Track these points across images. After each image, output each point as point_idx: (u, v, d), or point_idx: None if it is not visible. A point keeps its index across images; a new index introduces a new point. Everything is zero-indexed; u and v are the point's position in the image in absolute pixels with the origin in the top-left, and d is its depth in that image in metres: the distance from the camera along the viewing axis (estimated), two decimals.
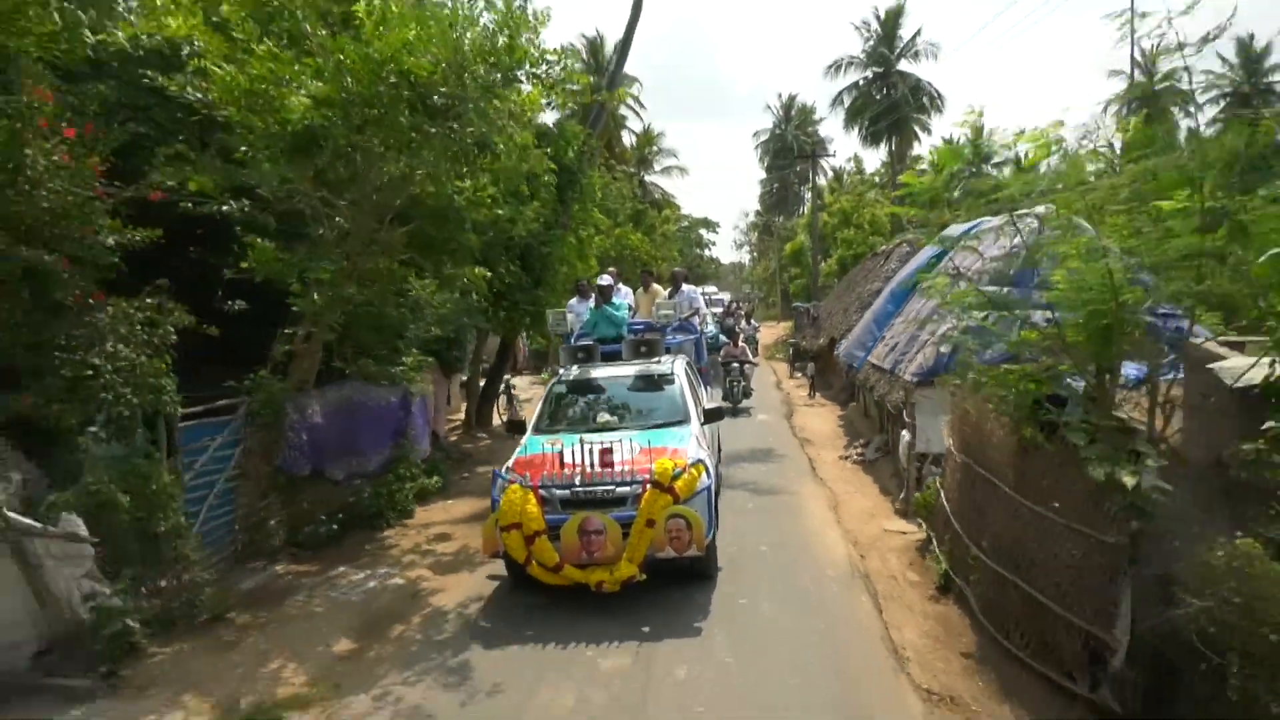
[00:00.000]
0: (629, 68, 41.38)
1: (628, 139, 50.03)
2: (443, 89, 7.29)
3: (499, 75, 7.48)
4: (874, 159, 47.95)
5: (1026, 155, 7.87)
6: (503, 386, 15.95)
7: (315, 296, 7.72)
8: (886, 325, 12.49)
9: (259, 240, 7.34)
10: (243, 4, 7.19)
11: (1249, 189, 5.08)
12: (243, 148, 7.27)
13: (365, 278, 8.25)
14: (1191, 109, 35.90)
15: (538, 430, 7.85)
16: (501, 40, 7.59)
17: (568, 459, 6.58)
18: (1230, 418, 4.59)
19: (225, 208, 7.67)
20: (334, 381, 8.85)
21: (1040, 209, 6.28)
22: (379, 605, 7.06)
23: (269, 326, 8.19)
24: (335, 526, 8.41)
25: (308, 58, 7.23)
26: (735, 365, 17.15)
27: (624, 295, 10.90)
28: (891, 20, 41.61)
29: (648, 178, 52.34)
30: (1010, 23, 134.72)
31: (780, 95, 68.68)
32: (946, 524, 7.03)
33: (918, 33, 41.89)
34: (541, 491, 6.54)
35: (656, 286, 11.93)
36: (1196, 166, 4.94)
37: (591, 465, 6.55)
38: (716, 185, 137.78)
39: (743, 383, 17.27)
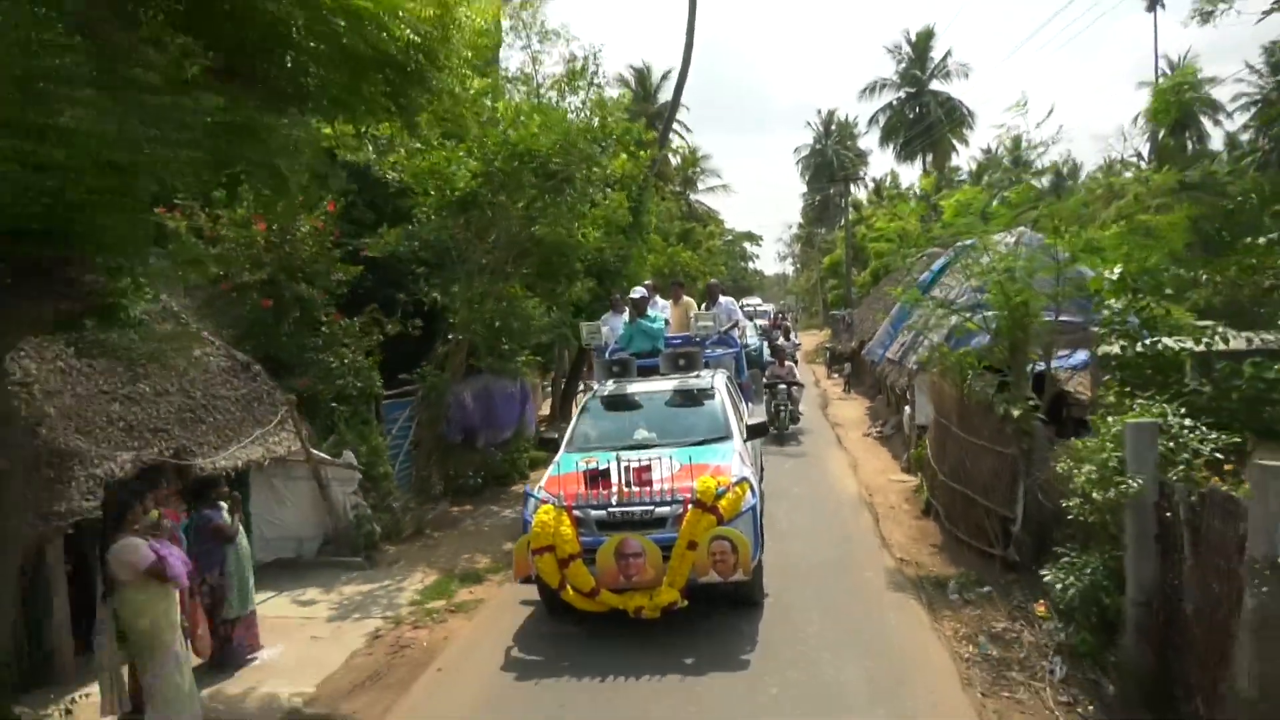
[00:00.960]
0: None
1: (673, 159, 53.15)
2: (556, 160, 10.28)
3: (597, 147, 10.46)
4: (911, 173, 50.17)
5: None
6: (581, 387, 18.90)
7: (463, 313, 10.77)
8: (901, 327, 15.13)
9: (421, 268, 10.45)
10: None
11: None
12: (421, 208, 10.38)
13: (498, 297, 11.26)
14: (1220, 117, 37.39)
15: (571, 447, 7.51)
16: (595, 120, 10.62)
17: (603, 477, 6.23)
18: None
19: (400, 248, 10.76)
20: (474, 374, 11.87)
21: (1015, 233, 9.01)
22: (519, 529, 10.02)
23: (430, 335, 11.26)
24: (479, 480, 11.44)
25: (463, 144, 10.26)
26: (781, 387, 15.11)
27: (659, 308, 10.62)
28: (922, 42, 43.98)
29: (693, 196, 55.30)
30: (1042, 40, 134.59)
31: (820, 111, 71.08)
32: (927, 465, 9.74)
33: (948, 54, 44.14)
34: (576, 512, 6.18)
35: (688, 299, 11.53)
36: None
37: (629, 484, 6.19)
38: (759, 200, 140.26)
39: (790, 406, 15.10)
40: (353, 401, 9.46)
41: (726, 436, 7.38)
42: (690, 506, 6.07)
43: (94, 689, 5.32)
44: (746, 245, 66.16)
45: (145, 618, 5.07)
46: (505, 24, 11.17)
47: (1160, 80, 34.60)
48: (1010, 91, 32.76)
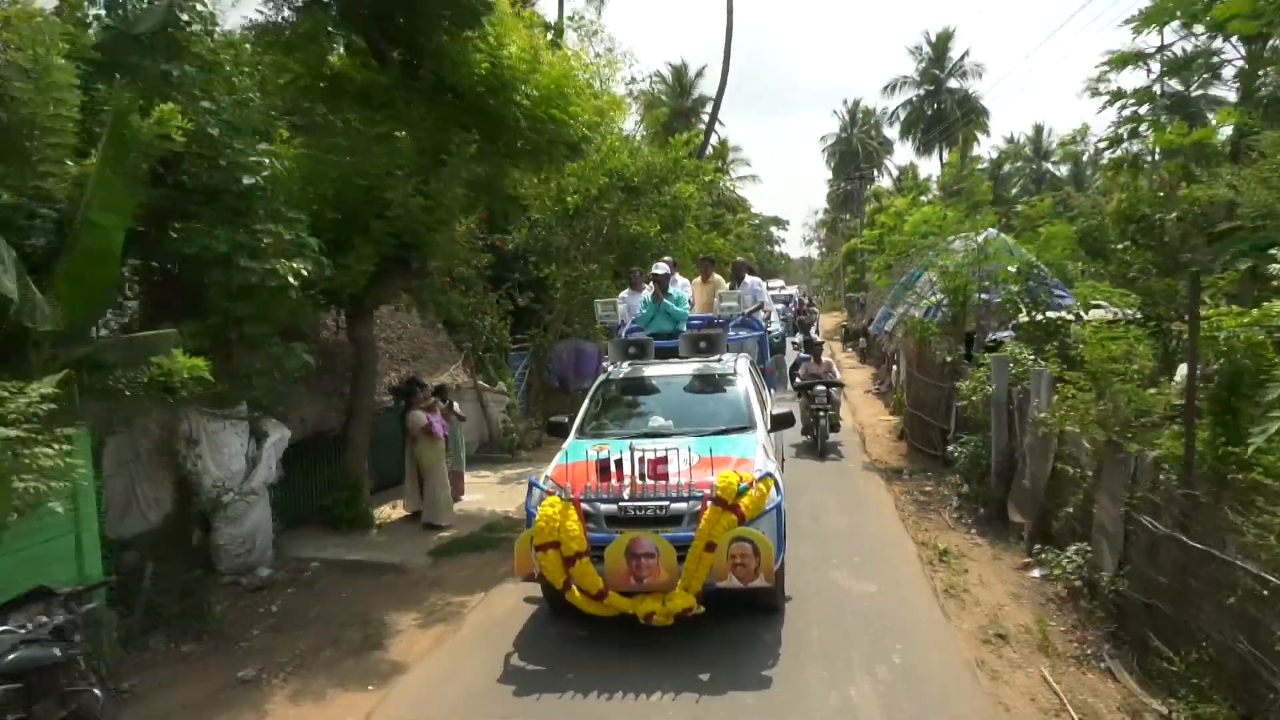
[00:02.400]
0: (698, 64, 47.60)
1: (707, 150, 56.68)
2: (637, 180, 14.12)
3: (669, 174, 14.32)
4: (930, 165, 53.22)
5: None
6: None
7: (562, 290, 14.65)
8: (899, 305, 18.84)
9: (551, 266, 14.35)
10: None
11: None
12: (538, 214, 14.31)
13: (587, 278, 15.14)
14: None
15: (582, 434, 7.00)
16: (667, 156, 14.48)
17: (615, 468, 5.75)
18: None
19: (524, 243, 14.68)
20: (566, 337, 15.77)
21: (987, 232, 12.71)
22: None
23: (537, 306, 15.17)
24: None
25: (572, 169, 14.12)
26: (819, 389, 12.20)
27: (681, 286, 9.84)
28: (942, 43, 46.98)
29: (723, 183, 58.78)
30: (1058, 42, 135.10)
31: (845, 101, 73.83)
32: (902, 403, 13.53)
33: (966, 53, 47.13)
34: (584, 506, 5.68)
35: (718, 277, 10.69)
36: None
37: (642, 476, 5.70)
38: (785, 184, 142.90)
39: (830, 411, 12.22)
40: (494, 351, 13.42)
41: (749, 427, 6.89)
42: (709, 504, 5.50)
43: (398, 501, 9.37)
44: (773, 229, 69.81)
45: (426, 456, 9.04)
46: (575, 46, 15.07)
47: None
48: (1028, 84, 35.63)
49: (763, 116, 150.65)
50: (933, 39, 47.07)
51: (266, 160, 6.08)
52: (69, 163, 4.77)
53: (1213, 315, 5.16)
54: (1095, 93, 10.96)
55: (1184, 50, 8.87)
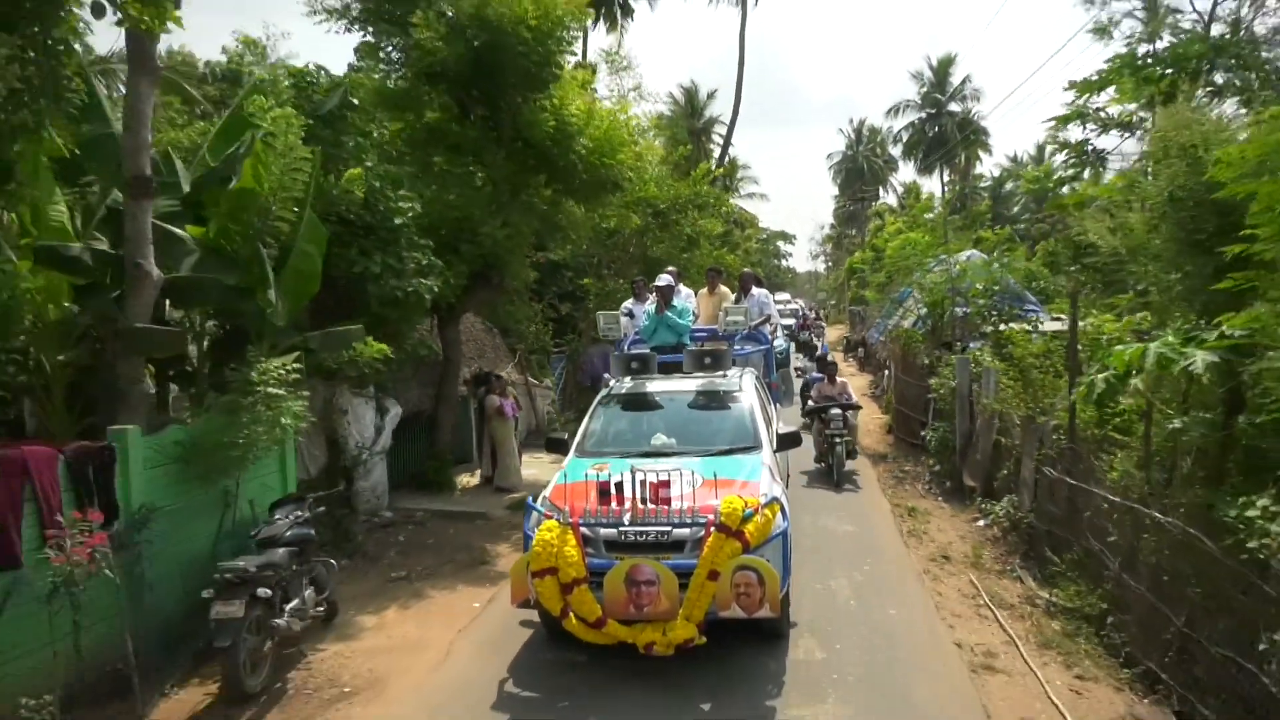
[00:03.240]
0: (711, 80, 49.90)
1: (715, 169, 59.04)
2: (663, 206, 16.32)
3: (690, 203, 16.53)
4: (932, 184, 55.37)
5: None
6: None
7: (595, 300, 16.81)
8: (893, 317, 20.96)
9: (587, 279, 16.54)
10: None
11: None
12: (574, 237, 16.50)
13: (617, 291, 17.29)
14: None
15: (582, 452, 6.85)
16: (690, 189, 16.69)
17: (615, 491, 5.55)
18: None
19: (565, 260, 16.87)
20: (598, 342, 17.90)
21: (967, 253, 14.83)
22: None
23: (575, 314, 17.36)
24: None
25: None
26: (834, 412, 11.35)
27: (685, 298, 9.76)
28: (943, 68, 49.24)
29: (732, 200, 61.03)
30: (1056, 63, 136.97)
31: (851, 120, 76.19)
32: (891, 402, 15.65)
33: (966, 79, 49.41)
34: (583, 530, 5.50)
35: (724, 289, 10.53)
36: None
37: (644, 500, 5.52)
38: (793, 196, 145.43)
39: (846, 438, 11.36)
40: (538, 353, 15.58)
41: (755, 446, 6.69)
42: (713, 530, 5.34)
43: (465, 473, 11.53)
44: (780, 244, 72.03)
45: (499, 432, 11.18)
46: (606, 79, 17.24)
47: None
48: (1031, 103, 37.67)
49: (770, 129, 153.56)
50: (934, 64, 49.36)
51: (406, 205, 8.28)
52: (294, 210, 6.92)
53: (1093, 322, 7.30)
54: (1053, 139, 13.11)
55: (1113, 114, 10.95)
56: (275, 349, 6.99)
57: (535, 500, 5.97)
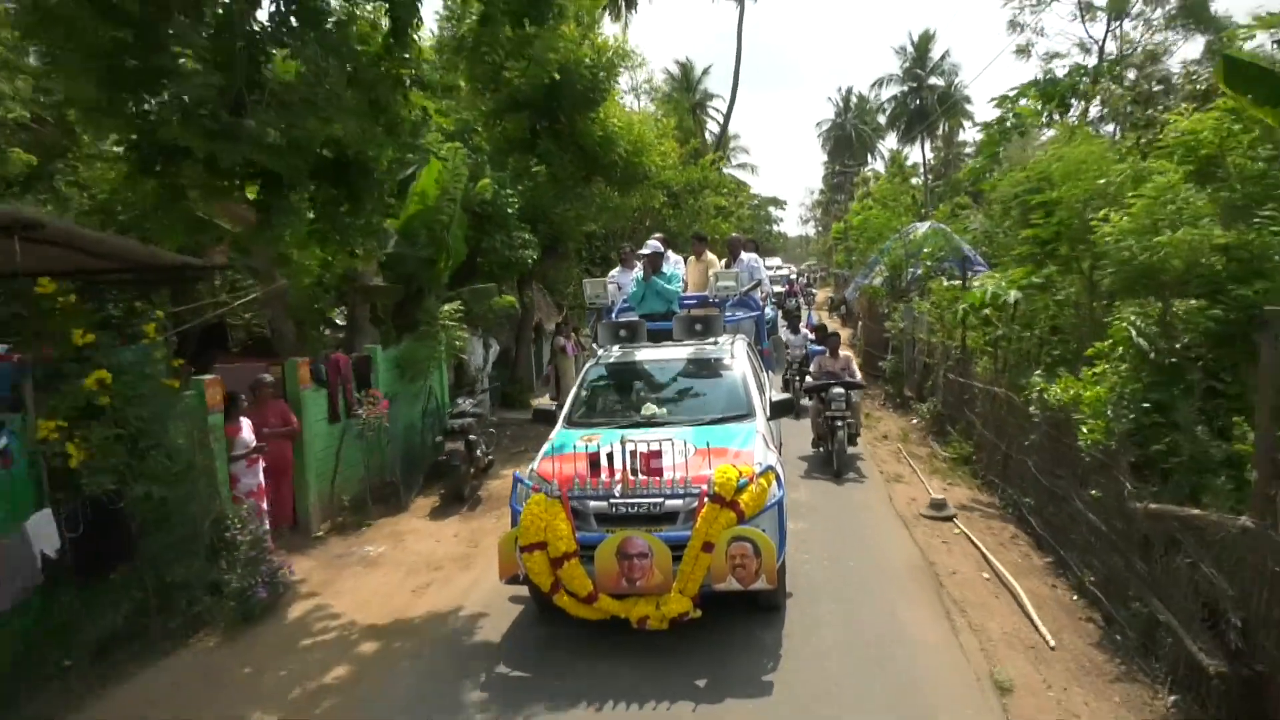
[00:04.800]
0: (707, 49, 52.97)
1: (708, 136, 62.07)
2: (675, 186, 19.92)
3: (700, 185, 20.16)
4: (916, 153, 58.68)
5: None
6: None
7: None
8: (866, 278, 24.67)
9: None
10: None
11: None
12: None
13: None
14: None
15: (570, 423, 6.59)
16: (701, 174, 20.30)
17: (605, 462, 5.31)
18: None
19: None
20: None
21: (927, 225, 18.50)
22: None
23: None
24: None
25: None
26: (836, 391, 10.22)
27: (674, 264, 9.55)
28: (923, 44, 52.29)
29: (725, 170, 63.98)
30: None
31: (840, 88, 78.86)
32: (862, 344, 19.47)
33: (945, 54, 52.48)
34: (572, 503, 5.29)
35: (711, 255, 10.22)
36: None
37: (635, 471, 5.28)
38: (785, 161, 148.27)
39: (850, 419, 10.29)
40: (577, 309, 19.27)
41: (748, 415, 6.51)
42: (706, 500, 5.13)
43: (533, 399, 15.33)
44: (772, 209, 75.10)
45: (562, 365, 14.91)
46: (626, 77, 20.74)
47: None
48: (1012, 73, 40.89)
49: (761, 93, 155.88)
50: (914, 40, 52.42)
51: (514, 199, 11.97)
52: (450, 204, 10.58)
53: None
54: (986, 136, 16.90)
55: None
56: (439, 300, 10.68)
57: (522, 474, 5.80)
